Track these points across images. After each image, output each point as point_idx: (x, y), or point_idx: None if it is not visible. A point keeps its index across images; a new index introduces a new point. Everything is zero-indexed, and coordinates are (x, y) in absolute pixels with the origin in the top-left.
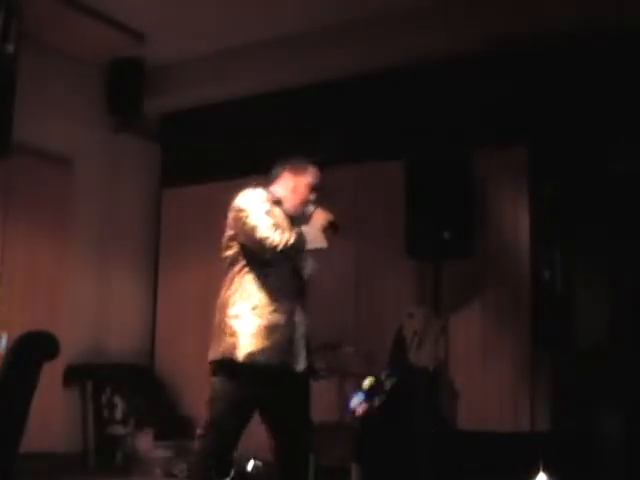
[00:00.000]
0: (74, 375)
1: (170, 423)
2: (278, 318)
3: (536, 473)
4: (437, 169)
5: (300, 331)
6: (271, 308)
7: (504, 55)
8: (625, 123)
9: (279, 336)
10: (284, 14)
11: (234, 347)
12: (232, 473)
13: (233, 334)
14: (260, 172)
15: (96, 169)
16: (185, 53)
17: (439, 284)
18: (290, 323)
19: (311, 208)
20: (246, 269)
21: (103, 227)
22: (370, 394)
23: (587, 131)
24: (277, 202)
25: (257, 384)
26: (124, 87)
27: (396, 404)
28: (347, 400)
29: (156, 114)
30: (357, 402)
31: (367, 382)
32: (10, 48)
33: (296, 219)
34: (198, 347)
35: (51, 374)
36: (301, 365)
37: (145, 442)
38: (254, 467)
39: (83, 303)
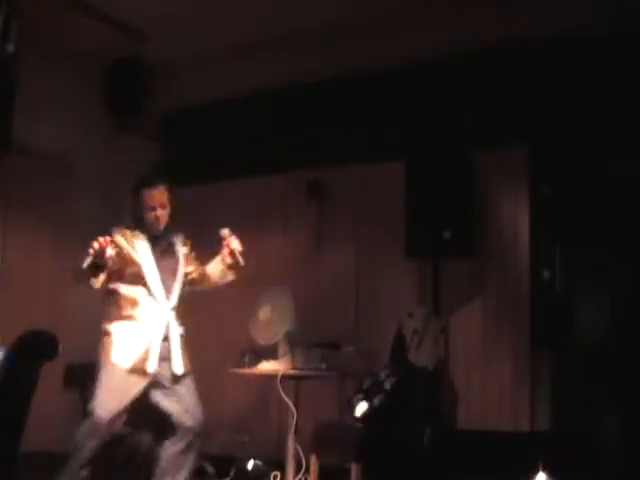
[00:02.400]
0: (74, 375)
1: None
2: None
3: (536, 473)
4: (437, 169)
5: None
6: None
7: (504, 55)
8: (625, 123)
9: None
10: (284, 14)
11: None
12: (232, 473)
13: None
14: (260, 172)
15: (96, 169)
16: (185, 53)
17: (439, 284)
18: None
19: (224, 231)
20: None
21: (103, 227)
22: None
23: (587, 131)
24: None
25: None
26: (124, 87)
27: (396, 404)
28: (347, 401)
29: (156, 114)
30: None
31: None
32: (10, 48)
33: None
34: (198, 347)
35: (51, 374)
36: None
37: (145, 442)
38: (254, 467)
39: (83, 303)
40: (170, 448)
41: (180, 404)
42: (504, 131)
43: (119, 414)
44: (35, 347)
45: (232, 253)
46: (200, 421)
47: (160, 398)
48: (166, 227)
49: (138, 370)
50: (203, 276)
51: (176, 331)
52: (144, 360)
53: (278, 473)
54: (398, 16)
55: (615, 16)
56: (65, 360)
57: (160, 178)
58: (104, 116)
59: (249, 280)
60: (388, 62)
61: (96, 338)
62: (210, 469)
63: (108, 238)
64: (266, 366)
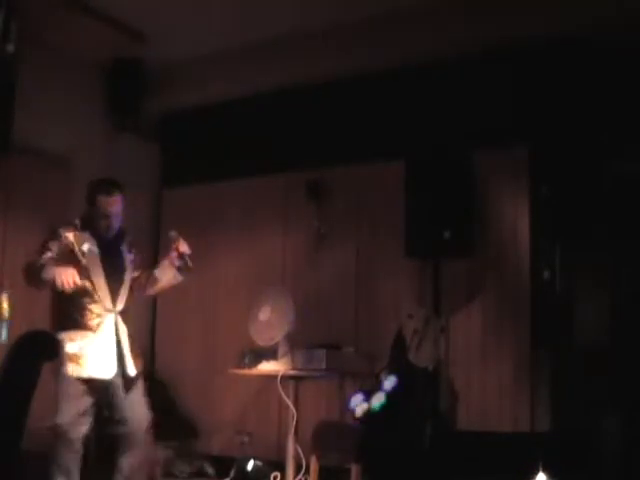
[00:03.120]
0: None
1: (170, 423)
2: None
3: (536, 473)
4: (437, 169)
5: None
6: None
7: (504, 55)
8: (625, 123)
9: None
10: (284, 14)
11: None
12: (232, 473)
13: None
14: (260, 172)
15: (96, 169)
16: (185, 53)
17: (439, 284)
18: None
19: (172, 234)
20: None
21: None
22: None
23: (587, 131)
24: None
25: None
26: (124, 87)
27: (396, 404)
28: (347, 401)
29: (156, 114)
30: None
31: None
32: (10, 48)
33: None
34: (198, 347)
35: (51, 374)
36: None
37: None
38: (254, 467)
39: None
40: (127, 458)
41: (132, 409)
42: (504, 131)
43: (80, 421)
44: (35, 347)
45: (181, 255)
46: (147, 425)
47: (115, 402)
48: (118, 231)
49: (94, 378)
50: (151, 280)
51: (125, 334)
52: (100, 367)
53: (278, 473)
54: (398, 16)
55: (615, 16)
56: None
57: (117, 186)
58: (104, 116)
59: (249, 280)
60: (388, 62)
61: None
62: (210, 469)
63: (74, 276)
64: (266, 366)
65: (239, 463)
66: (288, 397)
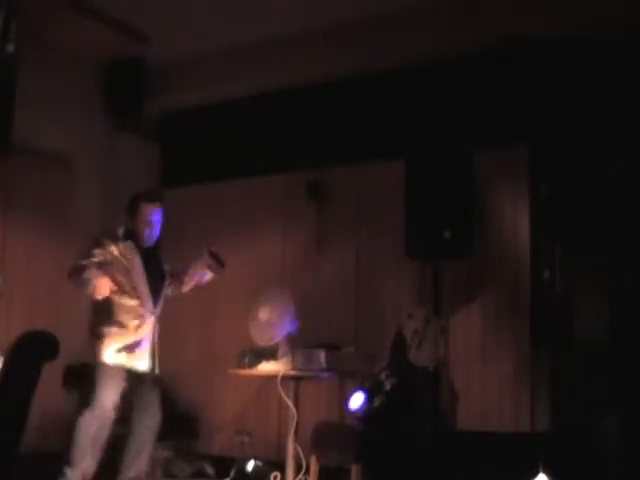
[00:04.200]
0: (74, 375)
1: (170, 423)
2: None
3: (536, 473)
4: (437, 169)
5: None
6: None
7: (504, 55)
8: (625, 123)
9: None
10: (284, 14)
11: None
12: (232, 473)
13: None
14: (260, 172)
15: (96, 169)
16: (185, 53)
17: (439, 284)
18: None
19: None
20: None
21: (103, 227)
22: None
23: (587, 131)
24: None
25: None
26: (124, 87)
27: (396, 404)
28: (346, 401)
29: (156, 114)
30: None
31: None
32: (10, 48)
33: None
34: (198, 347)
35: (51, 374)
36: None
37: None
38: (254, 467)
39: (83, 303)
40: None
41: (148, 409)
42: (504, 131)
43: (116, 404)
44: (35, 347)
45: (212, 254)
46: (158, 427)
47: (140, 393)
48: (154, 241)
49: (132, 368)
50: (187, 280)
51: (157, 336)
52: (138, 359)
53: (278, 473)
54: (398, 16)
55: (615, 16)
56: (65, 360)
57: (159, 196)
58: (104, 116)
59: (249, 280)
60: (388, 62)
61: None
62: (210, 469)
63: (108, 286)
64: (266, 367)
65: (239, 463)
66: (288, 397)
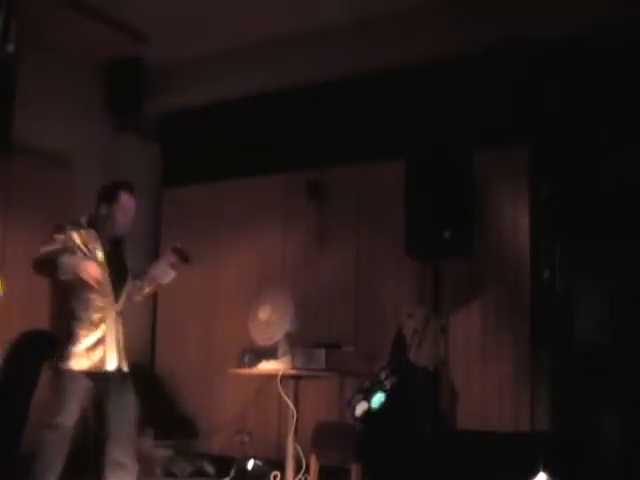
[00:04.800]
0: None
1: (170, 423)
2: None
3: (536, 473)
4: (437, 169)
5: None
6: None
7: (504, 55)
8: (625, 123)
9: None
10: (284, 14)
11: None
12: (232, 473)
13: None
14: (260, 172)
15: (96, 169)
16: (185, 53)
17: (439, 284)
18: None
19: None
20: None
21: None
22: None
23: (587, 131)
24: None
25: None
26: (124, 87)
27: (396, 404)
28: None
29: (156, 114)
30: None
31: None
32: (10, 48)
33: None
34: (198, 347)
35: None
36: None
37: (145, 442)
38: (254, 466)
39: None
40: (115, 449)
41: (123, 406)
42: (504, 131)
43: (77, 417)
44: (35, 347)
45: (177, 250)
46: (135, 415)
47: (110, 398)
48: (121, 236)
49: (94, 371)
50: (151, 280)
51: (121, 332)
52: (102, 360)
53: (278, 473)
54: (398, 16)
55: (615, 16)
56: None
57: (134, 188)
58: (104, 116)
59: (249, 280)
60: (388, 62)
61: None
62: (210, 469)
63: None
64: (266, 366)
65: (239, 463)
66: (288, 397)
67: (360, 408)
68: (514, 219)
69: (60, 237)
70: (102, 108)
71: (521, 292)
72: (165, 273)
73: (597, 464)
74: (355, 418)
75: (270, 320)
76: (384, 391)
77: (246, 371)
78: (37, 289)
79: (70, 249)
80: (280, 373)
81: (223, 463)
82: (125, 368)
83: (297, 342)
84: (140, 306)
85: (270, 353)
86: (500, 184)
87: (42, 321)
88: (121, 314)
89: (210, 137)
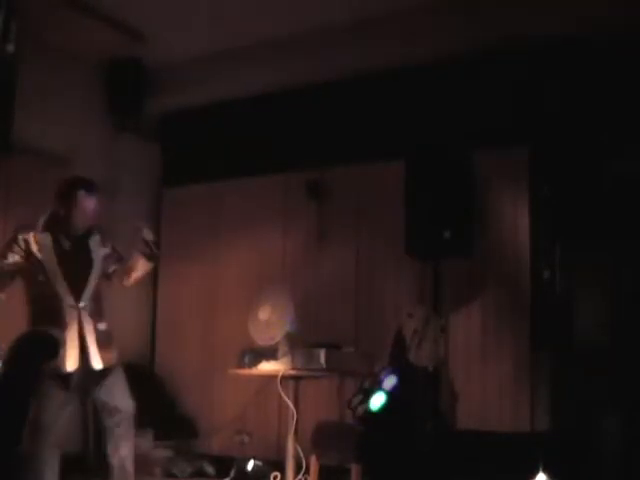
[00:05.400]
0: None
1: (170, 423)
2: None
3: (536, 473)
4: (437, 169)
5: None
6: None
7: (504, 55)
8: (625, 123)
9: None
10: (284, 14)
11: None
12: (232, 473)
13: None
14: (260, 172)
15: (96, 169)
16: (185, 53)
17: (439, 284)
18: None
19: (138, 224)
20: None
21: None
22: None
23: (587, 131)
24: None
25: None
26: (124, 87)
27: (396, 404)
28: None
29: (156, 114)
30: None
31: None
32: (10, 48)
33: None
34: (198, 347)
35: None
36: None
37: (145, 442)
38: (254, 467)
39: None
40: (117, 449)
41: (113, 400)
42: (504, 131)
43: (60, 414)
44: (35, 347)
45: (146, 243)
46: (129, 409)
47: (96, 395)
48: (88, 228)
49: (60, 374)
50: (126, 270)
51: (91, 328)
52: (64, 361)
53: (278, 473)
54: (398, 16)
55: (615, 16)
56: None
57: (96, 186)
58: (104, 116)
59: (249, 280)
60: (388, 62)
61: None
62: (210, 469)
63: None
64: (266, 366)
65: (239, 463)
66: (288, 397)
67: (360, 408)
68: (514, 219)
69: (10, 250)
70: (102, 108)
71: (521, 292)
72: (139, 263)
73: (597, 464)
74: (355, 418)
75: (270, 320)
76: (384, 391)
77: (246, 371)
78: None
79: (26, 256)
80: (280, 373)
81: (223, 463)
82: (96, 365)
83: (297, 342)
84: (140, 306)
85: (270, 353)
86: (500, 184)
87: None
88: (94, 309)
89: (210, 137)
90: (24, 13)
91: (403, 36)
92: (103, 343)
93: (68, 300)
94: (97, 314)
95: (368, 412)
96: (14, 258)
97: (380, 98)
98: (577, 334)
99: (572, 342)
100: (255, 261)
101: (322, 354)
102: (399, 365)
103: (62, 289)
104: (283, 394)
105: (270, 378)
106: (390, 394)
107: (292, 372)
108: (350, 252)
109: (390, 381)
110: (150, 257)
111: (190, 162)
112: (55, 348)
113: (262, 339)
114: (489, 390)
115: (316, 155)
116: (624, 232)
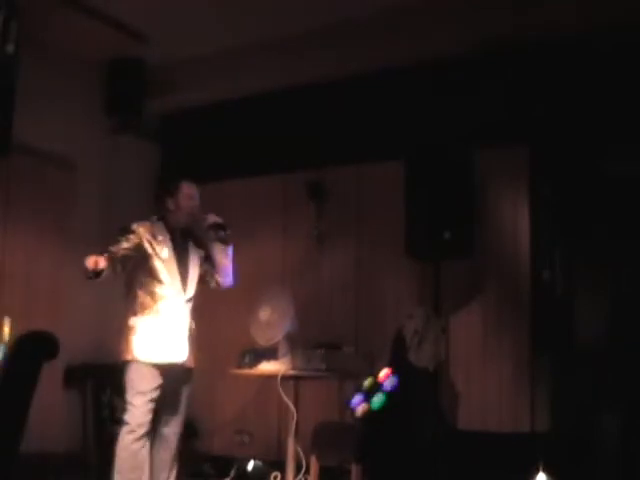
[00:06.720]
0: (74, 375)
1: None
2: None
3: (536, 473)
4: (437, 169)
5: None
6: None
7: (504, 55)
8: (625, 123)
9: None
10: (284, 14)
11: None
12: (232, 473)
13: None
14: (260, 172)
15: (96, 169)
16: (185, 53)
17: (439, 284)
18: None
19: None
20: None
21: (103, 227)
22: (369, 394)
23: (588, 131)
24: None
25: None
26: (124, 87)
27: (396, 404)
28: (347, 400)
29: (156, 114)
30: (357, 402)
31: (367, 382)
32: (10, 48)
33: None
34: (198, 347)
35: (51, 374)
36: None
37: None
38: (254, 467)
39: (83, 303)
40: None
41: (178, 409)
42: (504, 131)
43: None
44: (35, 347)
45: (214, 227)
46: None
47: (168, 397)
48: (187, 226)
49: (164, 363)
50: (215, 265)
51: (188, 325)
52: (170, 350)
53: (278, 473)
54: (398, 16)
55: (615, 16)
56: (65, 360)
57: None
58: (104, 116)
59: (249, 280)
60: (388, 62)
61: (96, 338)
62: (210, 469)
63: (98, 258)
64: (266, 367)
65: (239, 463)
66: (288, 397)
67: (361, 409)
68: (514, 219)
69: (122, 236)
70: (102, 108)
71: (521, 292)
72: (218, 251)
73: (597, 464)
74: (356, 418)
75: (270, 321)
76: (384, 392)
77: (246, 372)
78: (36, 289)
79: (138, 244)
80: (280, 374)
81: (223, 464)
82: (189, 363)
83: (297, 343)
84: None
85: (270, 354)
86: (500, 184)
87: (40, 321)
88: (191, 303)
89: (210, 137)
90: (24, 13)
91: (403, 36)
92: (193, 343)
93: (176, 287)
94: (192, 311)
95: (367, 413)
96: (129, 244)
97: (380, 98)
98: (577, 334)
99: (572, 342)
100: (255, 261)
101: (322, 355)
102: (399, 366)
103: (173, 275)
104: (283, 394)
105: (270, 378)
106: (390, 394)
107: (292, 372)
108: (350, 252)
109: (390, 381)
110: (224, 240)
111: (190, 162)
112: (55, 348)
113: (262, 339)
114: (489, 390)
115: (316, 155)
116: (624, 232)
